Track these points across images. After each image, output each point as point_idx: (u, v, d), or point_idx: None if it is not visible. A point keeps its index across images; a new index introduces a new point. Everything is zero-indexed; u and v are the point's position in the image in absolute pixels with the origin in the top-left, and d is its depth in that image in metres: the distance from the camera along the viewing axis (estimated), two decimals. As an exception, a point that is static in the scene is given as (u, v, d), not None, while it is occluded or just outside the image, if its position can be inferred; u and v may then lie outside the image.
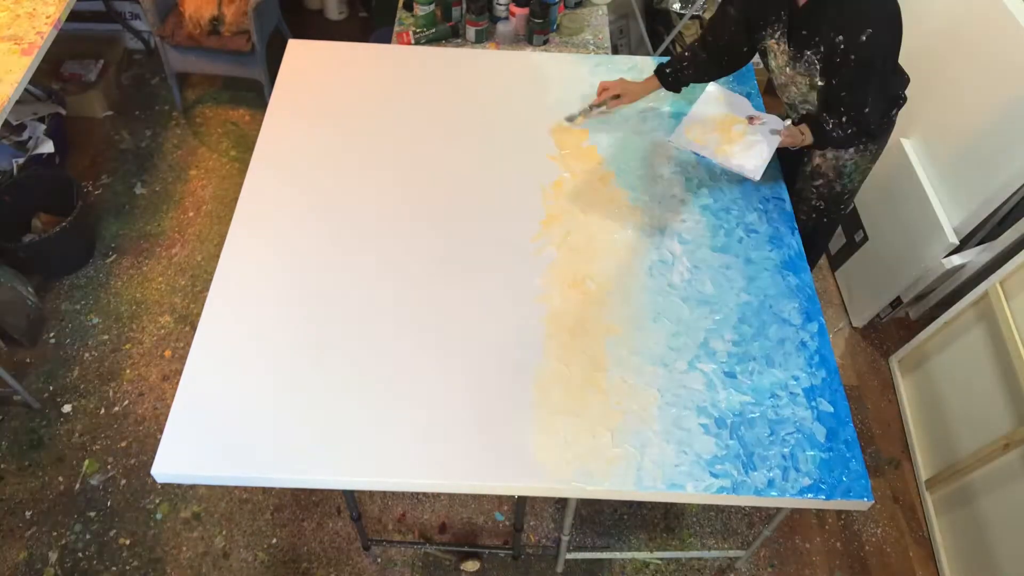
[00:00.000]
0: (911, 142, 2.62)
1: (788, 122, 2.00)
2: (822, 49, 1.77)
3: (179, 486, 2.33)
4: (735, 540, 2.32)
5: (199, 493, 2.32)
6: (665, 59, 2.31)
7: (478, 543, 2.28)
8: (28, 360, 2.59)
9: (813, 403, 1.59)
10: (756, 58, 2.09)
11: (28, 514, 2.26)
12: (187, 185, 3.14)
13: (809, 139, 1.93)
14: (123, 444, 2.41)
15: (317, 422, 1.49)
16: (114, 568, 2.17)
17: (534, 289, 1.73)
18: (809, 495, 1.46)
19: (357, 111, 2.10)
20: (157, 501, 2.30)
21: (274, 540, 2.25)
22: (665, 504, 2.36)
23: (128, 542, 2.23)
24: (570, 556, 2.08)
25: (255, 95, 3.48)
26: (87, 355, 2.60)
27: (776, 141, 1.99)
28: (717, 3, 2.14)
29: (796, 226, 1.91)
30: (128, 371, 2.57)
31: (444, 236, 1.82)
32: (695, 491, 1.45)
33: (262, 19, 3.06)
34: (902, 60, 1.86)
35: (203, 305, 1.68)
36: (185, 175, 3.18)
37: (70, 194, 2.71)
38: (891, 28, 1.72)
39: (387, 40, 2.62)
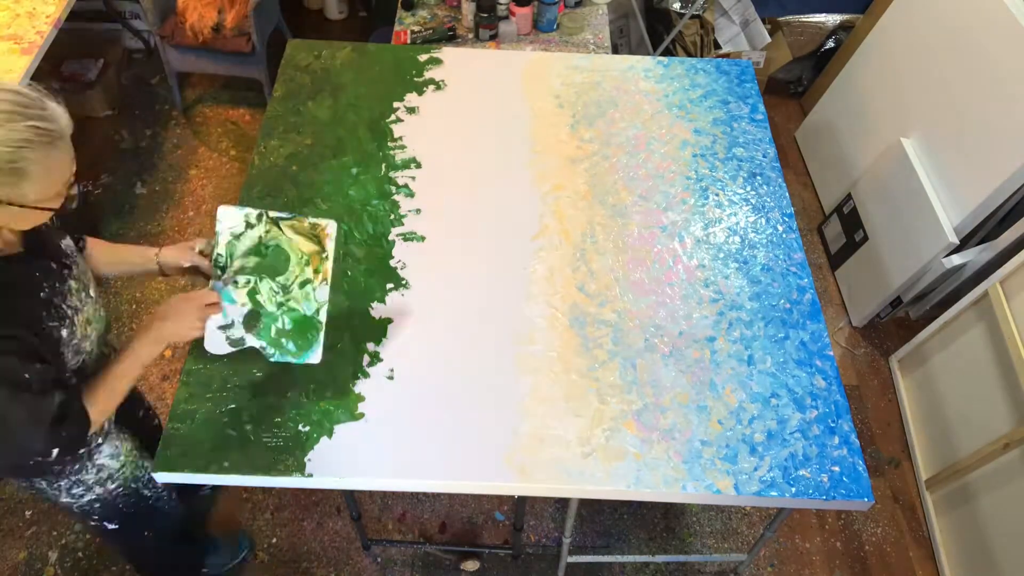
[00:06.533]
0: (911, 142, 2.62)
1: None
2: None
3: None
4: (735, 540, 2.32)
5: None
6: (665, 59, 2.31)
7: (478, 543, 2.28)
8: (28, 360, 2.58)
9: (813, 403, 1.59)
10: (756, 57, 2.07)
11: (28, 514, 2.26)
12: (187, 185, 3.14)
13: None
14: (123, 444, 2.41)
15: (315, 421, 1.49)
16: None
17: (534, 288, 1.73)
18: (809, 495, 1.46)
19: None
20: (157, 501, 2.30)
21: (274, 540, 2.25)
22: (665, 504, 2.36)
23: (128, 542, 2.23)
24: (572, 559, 2.08)
25: (255, 95, 3.48)
26: (87, 355, 2.60)
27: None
28: (718, 3, 2.12)
29: (796, 226, 1.91)
30: (128, 371, 2.56)
31: (443, 234, 1.82)
32: (695, 491, 1.45)
33: (262, 19, 3.06)
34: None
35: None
36: (185, 175, 3.18)
37: (70, 194, 2.71)
38: None
39: (387, 40, 2.62)
